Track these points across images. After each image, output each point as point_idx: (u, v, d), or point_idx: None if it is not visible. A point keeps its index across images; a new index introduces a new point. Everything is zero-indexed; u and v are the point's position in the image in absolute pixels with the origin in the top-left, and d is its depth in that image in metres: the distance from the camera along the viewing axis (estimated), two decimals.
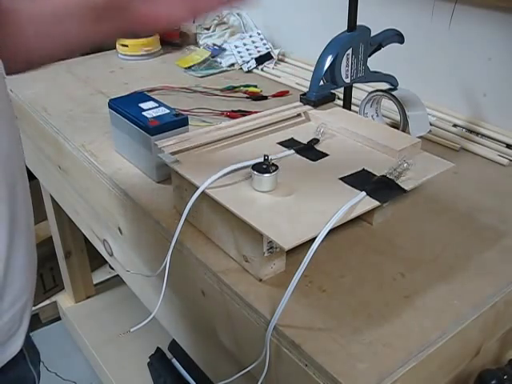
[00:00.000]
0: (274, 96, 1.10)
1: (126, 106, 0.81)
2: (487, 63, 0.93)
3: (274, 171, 0.61)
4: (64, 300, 1.68)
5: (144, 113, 0.79)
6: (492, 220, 0.72)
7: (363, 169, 0.67)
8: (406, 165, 0.64)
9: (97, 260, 1.65)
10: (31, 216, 0.55)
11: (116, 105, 0.83)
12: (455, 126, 0.97)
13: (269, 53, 1.28)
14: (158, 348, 1.34)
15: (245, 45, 1.30)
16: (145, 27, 0.57)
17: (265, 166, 0.61)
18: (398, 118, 0.89)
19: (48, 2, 0.51)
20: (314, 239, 0.54)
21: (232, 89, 1.12)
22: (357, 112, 0.93)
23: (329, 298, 0.58)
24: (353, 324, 0.54)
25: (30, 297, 0.57)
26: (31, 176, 1.32)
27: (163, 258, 0.64)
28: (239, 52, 1.28)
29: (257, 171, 0.61)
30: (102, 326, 1.55)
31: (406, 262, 0.63)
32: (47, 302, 1.71)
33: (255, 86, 1.13)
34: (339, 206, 0.58)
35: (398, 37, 0.88)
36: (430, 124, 0.94)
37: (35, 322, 1.71)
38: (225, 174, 0.63)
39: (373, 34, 0.85)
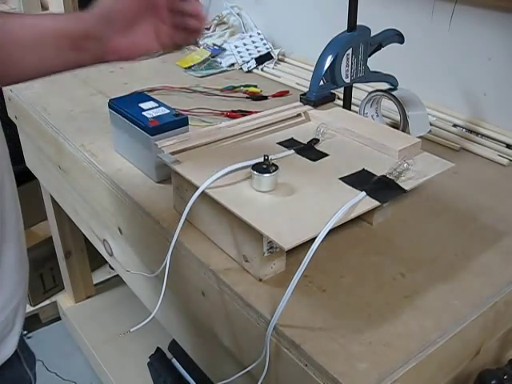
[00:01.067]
0: (274, 96, 1.10)
1: (126, 106, 0.81)
2: (487, 63, 0.93)
3: (273, 171, 0.61)
4: (64, 300, 1.68)
5: (144, 113, 0.79)
6: (492, 220, 0.72)
7: (363, 169, 0.67)
8: (405, 165, 0.64)
9: (97, 260, 1.65)
10: (20, 218, 0.55)
11: (116, 105, 0.83)
12: (455, 126, 0.97)
13: (269, 53, 1.28)
14: (158, 348, 1.34)
15: (245, 45, 1.30)
16: (119, 57, 0.60)
17: (265, 166, 0.61)
18: (398, 117, 0.89)
19: (28, 29, 0.54)
20: (313, 239, 0.54)
21: (232, 89, 1.12)
22: (357, 112, 0.93)
23: (329, 297, 0.58)
24: (353, 324, 0.54)
25: (23, 299, 0.57)
26: (31, 176, 1.33)
27: (163, 258, 0.64)
28: (239, 52, 1.28)
29: (257, 171, 0.61)
30: (102, 326, 1.55)
31: (406, 262, 0.63)
32: (47, 301, 1.71)
33: (255, 86, 1.13)
34: (339, 206, 0.58)
35: (397, 37, 0.88)
36: (430, 124, 0.94)
37: (35, 322, 1.71)
38: (225, 174, 0.63)
39: (373, 34, 0.85)
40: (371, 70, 0.87)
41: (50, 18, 0.56)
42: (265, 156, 0.61)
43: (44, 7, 1.60)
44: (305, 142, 0.73)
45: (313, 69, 0.83)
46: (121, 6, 0.56)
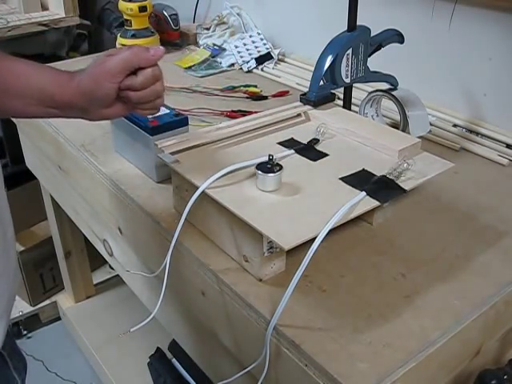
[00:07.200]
0: (274, 96, 1.10)
1: None
2: (487, 63, 0.93)
3: (278, 171, 0.61)
4: (64, 300, 1.68)
5: None
6: (492, 220, 0.72)
7: (363, 169, 0.67)
8: (405, 165, 0.64)
9: (97, 260, 1.65)
10: (7, 234, 0.54)
11: None
12: (455, 125, 0.97)
13: (269, 53, 1.28)
14: (157, 348, 1.33)
15: (245, 45, 1.30)
16: (97, 119, 0.64)
17: (269, 166, 0.61)
18: (398, 117, 0.89)
19: (19, 80, 0.57)
20: (314, 239, 0.54)
21: (232, 89, 1.12)
22: (357, 112, 0.93)
23: (329, 297, 0.58)
24: (353, 324, 0.54)
25: (4, 315, 0.56)
26: (31, 176, 1.32)
27: (163, 258, 0.64)
28: (239, 52, 1.28)
29: (261, 171, 0.61)
30: (102, 326, 1.54)
31: (406, 262, 0.63)
32: (47, 301, 1.71)
33: (255, 86, 1.13)
34: (339, 206, 0.58)
35: (397, 37, 0.88)
36: (430, 124, 0.94)
37: (35, 322, 1.71)
38: (225, 174, 0.63)
39: (373, 34, 0.85)
40: (371, 69, 0.87)
41: (40, 75, 0.59)
42: (269, 156, 0.61)
43: (44, 7, 1.60)
44: (305, 142, 0.73)
45: (313, 69, 0.83)
46: (100, 94, 0.59)
